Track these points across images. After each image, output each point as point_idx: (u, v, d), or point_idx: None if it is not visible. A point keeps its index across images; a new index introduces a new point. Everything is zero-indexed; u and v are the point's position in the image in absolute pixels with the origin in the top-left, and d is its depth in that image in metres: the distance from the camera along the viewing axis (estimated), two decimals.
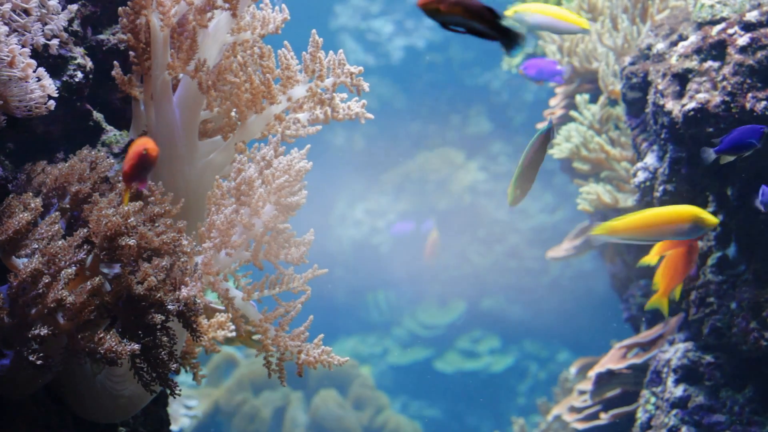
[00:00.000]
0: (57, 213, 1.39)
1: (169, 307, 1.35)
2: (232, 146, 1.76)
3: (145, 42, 1.71)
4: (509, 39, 1.34)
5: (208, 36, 1.71)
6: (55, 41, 1.48)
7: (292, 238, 1.72)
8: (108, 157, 1.56)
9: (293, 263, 1.72)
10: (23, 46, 1.39)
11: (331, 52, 1.75)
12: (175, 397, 1.43)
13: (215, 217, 1.62)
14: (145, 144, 1.41)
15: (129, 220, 1.36)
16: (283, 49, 1.76)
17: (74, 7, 1.57)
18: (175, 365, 1.39)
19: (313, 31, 1.75)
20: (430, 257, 7.79)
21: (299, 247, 1.72)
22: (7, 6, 1.38)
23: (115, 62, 1.73)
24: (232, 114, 1.78)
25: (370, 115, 1.79)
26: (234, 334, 1.83)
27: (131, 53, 1.72)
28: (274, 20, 1.75)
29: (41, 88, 1.41)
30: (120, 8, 1.69)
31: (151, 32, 1.69)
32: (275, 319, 1.67)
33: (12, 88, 1.38)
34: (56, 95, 1.44)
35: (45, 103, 1.42)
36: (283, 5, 1.77)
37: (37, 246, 1.32)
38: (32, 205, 1.36)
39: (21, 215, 1.32)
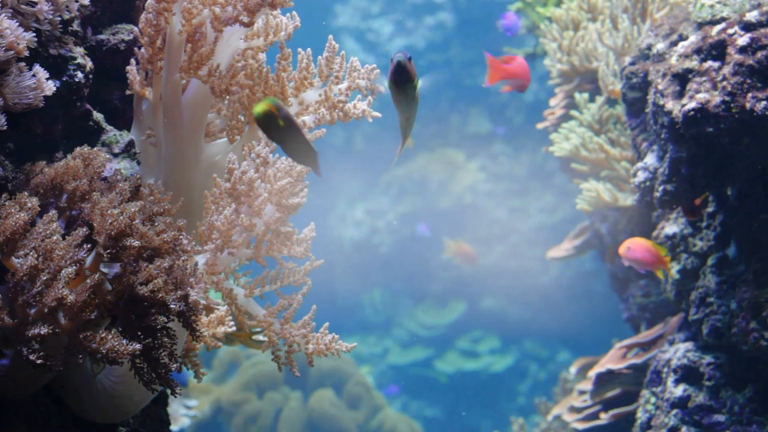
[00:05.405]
0: (54, 212, 1.38)
1: (171, 306, 1.35)
2: (239, 148, 1.76)
3: (161, 43, 1.71)
4: None
5: (222, 41, 1.71)
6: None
7: (294, 236, 1.72)
8: (103, 154, 1.56)
9: (296, 257, 1.72)
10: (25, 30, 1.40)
11: (340, 55, 1.75)
12: (175, 396, 1.43)
13: (215, 218, 1.61)
14: None
15: (135, 222, 1.36)
16: (301, 50, 1.75)
17: (74, 6, 1.57)
18: (175, 365, 1.39)
19: (330, 36, 1.75)
20: (472, 261, 7.52)
21: (301, 245, 1.72)
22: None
23: (132, 60, 1.75)
24: (240, 117, 1.78)
25: (377, 114, 1.78)
26: (234, 328, 1.83)
27: (145, 53, 1.72)
28: (286, 27, 1.75)
29: (38, 84, 1.41)
30: (148, 2, 1.69)
31: (169, 35, 1.69)
32: (279, 312, 1.67)
33: (9, 80, 1.37)
34: (54, 90, 1.44)
35: (40, 99, 1.43)
36: (294, 12, 1.77)
37: (35, 245, 1.32)
38: (29, 204, 1.35)
39: (18, 215, 1.32)
